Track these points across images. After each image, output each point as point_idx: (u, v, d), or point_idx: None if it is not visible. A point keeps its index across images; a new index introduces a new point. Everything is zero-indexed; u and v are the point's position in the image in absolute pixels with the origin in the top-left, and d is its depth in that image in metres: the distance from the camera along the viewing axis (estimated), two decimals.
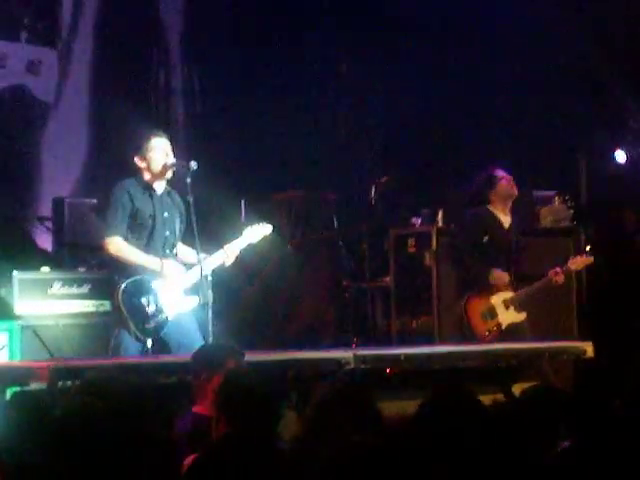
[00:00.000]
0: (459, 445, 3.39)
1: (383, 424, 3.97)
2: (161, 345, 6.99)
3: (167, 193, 7.18)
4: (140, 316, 6.92)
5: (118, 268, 7.02)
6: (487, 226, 8.12)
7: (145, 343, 6.91)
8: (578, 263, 8.19)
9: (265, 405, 4.29)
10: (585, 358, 7.28)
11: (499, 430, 3.84)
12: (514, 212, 8.39)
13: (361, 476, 2.91)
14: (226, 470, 2.98)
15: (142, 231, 7.05)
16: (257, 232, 7.35)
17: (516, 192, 8.17)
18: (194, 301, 6.95)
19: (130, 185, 7.09)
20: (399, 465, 3.05)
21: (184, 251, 7.16)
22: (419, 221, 9.95)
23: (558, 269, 8.02)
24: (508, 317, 8.02)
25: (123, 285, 6.92)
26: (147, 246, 7.04)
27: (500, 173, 8.16)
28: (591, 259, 8.21)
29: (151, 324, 6.94)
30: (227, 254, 7.15)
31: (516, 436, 3.81)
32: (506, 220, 8.19)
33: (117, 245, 6.98)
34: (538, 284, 8.04)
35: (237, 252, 7.21)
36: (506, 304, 8.02)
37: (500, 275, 8.00)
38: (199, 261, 6.86)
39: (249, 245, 7.30)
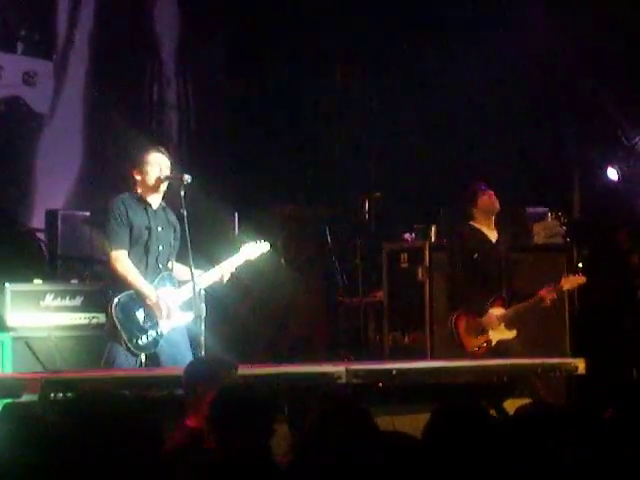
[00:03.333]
0: (469, 460, 3.41)
1: (381, 439, 3.97)
2: (154, 360, 6.99)
3: (162, 209, 7.21)
4: (134, 330, 6.92)
5: (113, 281, 7.03)
6: (476, 243, 8.13)
7: (139, 357, 6.91)
8: (571, 282, 8.18)
9: (258, 419, 4.29)
10: (577, 375, 7.29)
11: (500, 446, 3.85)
12: (506, 228, 8.41)
13: None
14: None
15: (137, 244, 7.06)
16: (254, 250, 7.37)
17: (497, 206, 8.17)
18: (188, 316, 6.94)
19: (126, 199, 7.12)
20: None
21: (179, 269, 7.16)
22: (412, 237, 9.97)
23: (550, 288, 8.02)
24: (498, 334, 8.01)
25: (117, 299, 6.92)
26: (142, 259, 7.04)
27: (480, 188, 8.17)
28: (584, 279, 8.20)
29: (145, 339, 6.94)
30: (223, 272, 7.17)
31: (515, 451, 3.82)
32: (492, 235, 8.20)
33: (122, 261, 6.98)
34: (529, 303, 8.03)
35: (233, 269, 7.24)
36: (497, 320, 8.01)
37: (491, 319, 7.98)
38: (192, 275, 6.86)
39: (246, 262, 7.33)
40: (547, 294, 7.99)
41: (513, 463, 3.53)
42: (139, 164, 7.12)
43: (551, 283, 8.06)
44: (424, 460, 2.97)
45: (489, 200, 8.13)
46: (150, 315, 6.97)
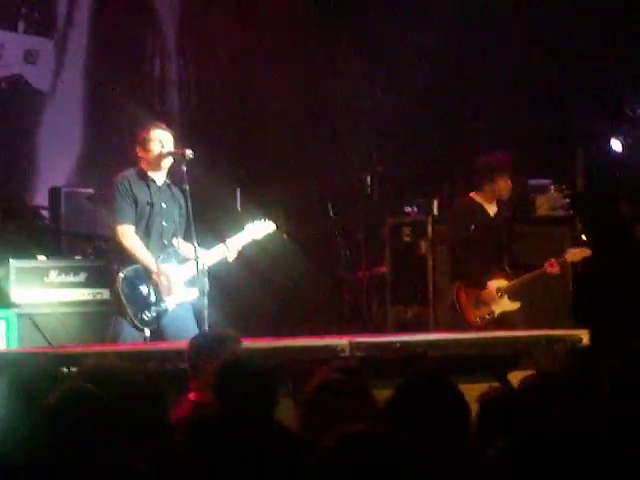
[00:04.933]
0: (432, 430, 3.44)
1: (379, 411, 3.99)
2: (158, 335, 7.01)
3: (167, 185, 7.22)
4: (139, 305, 6.94)
5: (118, 256, 7.04)
6: (473, 216, 8.11)
7: (143, 332, 6.93)
8: (575, 254, 8.17)
9: (261, 391, 4.31)
10: (581, 346, 7.29)
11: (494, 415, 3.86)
12: (507, 201, 8.39)
13: (360, 463, 2.93)
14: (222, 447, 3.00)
15: (140, 220, 7.08)
16: (260, 229, 7.38)
17: (507, 195, 8.14)
18: (194, 292, 6.95)
19: (130, 175, 7.15)
20: (391, 451, 3.07)
21: (183, 246, 7.17)
22: (414, 210, 9.96)
23: (553, 260, 8.01)
24: (501, 305, 8.01)
25: (123, 273, 6.94)
26: (145, 235, 7.06)
27: (503, 170, 8.07)
28: (589, 251, 8.19)
29: (150, 314, 6.95)
30: (229, 250, 7.18)
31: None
32: (491, 209, 8.17)
33: (128, 236, 7.00)
34: (532, 274, 8.03)
35: (239, 248, 7.24)
36: (500, 292, 8.02)
37: (490, 293, 7.97)
38: (195, 250, 6.88)
39: (252, 241, 7.34)
40: (551, 266, 7.98)
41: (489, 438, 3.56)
42: (141, 141, 7.14)
43: (555, 256, 8.05)
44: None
45: (504, 186, 8.07)
46: (155, 290, 6.99)
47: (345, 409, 3.96)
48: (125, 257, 7.00)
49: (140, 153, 7.16)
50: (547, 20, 10.64)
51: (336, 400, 4.01)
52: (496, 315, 7.98)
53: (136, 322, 6.92)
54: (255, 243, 7.45)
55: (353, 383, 4.19)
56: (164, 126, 7.28)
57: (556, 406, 3.93)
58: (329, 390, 4.07)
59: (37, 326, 8.00)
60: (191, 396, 5.29)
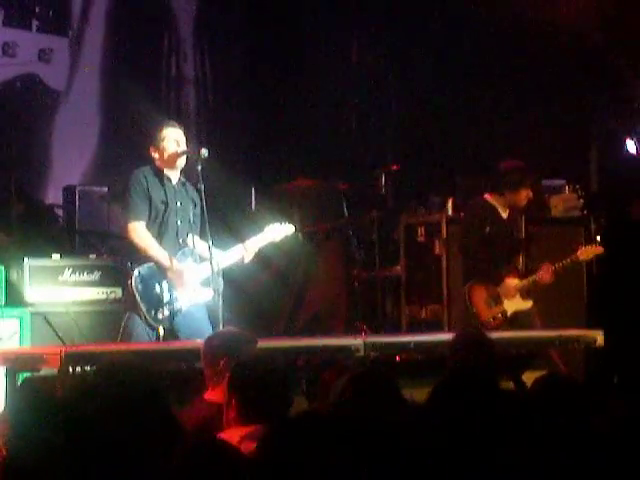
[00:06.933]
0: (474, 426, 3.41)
1: (406, 407, 3.99)
2: (172, 334, 7.00)
3: (182, 184, 7.20)
4: (153, 303, 6.93)
5: (133, 254, 7.04)
6: (486, 217, 8.10)
7: (156, 331, 6.92)
8: (588, 253, 8.17)
9: (276, 391, 4.30)
10: (595, 347, 7.27)
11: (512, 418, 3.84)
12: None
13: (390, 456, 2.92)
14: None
15: (155, 219, 7.07)
16: (279, 231, 7.36)
17: (523, 205, 8.15)
18: (209, 293, 6.92)
19: (146, 172, 7.13)
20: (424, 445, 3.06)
21: (201, 246, 7.16)
22: (428, 211, 9.95)
23: (547, 266, 7.98)
24: (514, 304, 8.01)
25: (137, 271, 6.93)
26: (159, 234, 7.05)
27: (527, 184, 8.07)
28: (601, 249, 8.19)
29: (164, 312, 6.94)
30: (247, 250, 7.16)
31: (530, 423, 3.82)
32: (504, 212, 8.17)
33: (140, 233, 6.99)
34: (532, 278, 8.03)
35: (256, 249, 7.22)
36: (513, 290, 8.01)
37: (507, 287, 7.97)
38: (210, 250, 6.86)
39: (270, 244, 7.32)
40: (544, 274, 7.96)
41: (524, 433, 3.53)
42: (155, 141, 7.12)
43: (562, 257, 8.05)
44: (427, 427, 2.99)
45: (524, 196, 8.08)
46: (169, 289, 6.98)
47: (375, 402, 3.95)
48: (140, 255, 7.00)
49: (154, 152, 7.14)
50: (564, 20, 10.61)
51: (367, 393, 4.00)
52: (509, 314, 7.98)
53: (150, 320, 6.91)
54: (271, 244, 7.43)
55: (383, 377, 4.18)
56: (175, 123, 7.26)
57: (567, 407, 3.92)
58: (361, 383, 4.06)
59: (51, 325, 8.00)
60: (206, 396, 5.29)
